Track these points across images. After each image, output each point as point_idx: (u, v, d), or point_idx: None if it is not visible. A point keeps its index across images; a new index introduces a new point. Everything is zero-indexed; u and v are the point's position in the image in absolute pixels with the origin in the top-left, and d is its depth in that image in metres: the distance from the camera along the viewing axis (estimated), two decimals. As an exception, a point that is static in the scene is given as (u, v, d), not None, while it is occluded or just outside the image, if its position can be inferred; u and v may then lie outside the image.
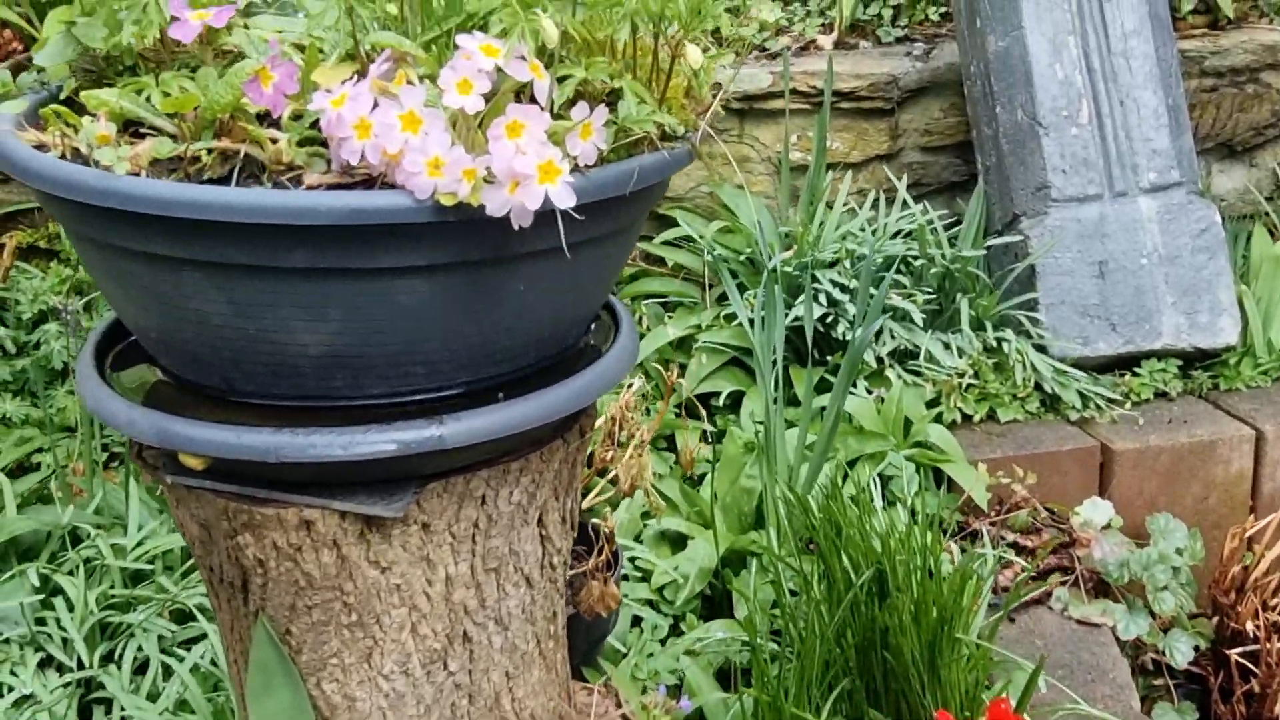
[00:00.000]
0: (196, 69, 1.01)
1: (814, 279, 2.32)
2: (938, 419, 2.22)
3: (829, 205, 2.64)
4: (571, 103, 0.99)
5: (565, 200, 0.92)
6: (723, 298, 2.47)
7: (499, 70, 0.93)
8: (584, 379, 1.08)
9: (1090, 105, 2.41)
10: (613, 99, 1.04)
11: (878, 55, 2.76)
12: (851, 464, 2.11)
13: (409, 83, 0.93)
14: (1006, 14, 2.43)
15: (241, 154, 0.96)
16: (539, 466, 1.12)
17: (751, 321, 2.21)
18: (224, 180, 0.95)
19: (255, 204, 0.90)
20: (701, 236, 2.55)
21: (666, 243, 2.64)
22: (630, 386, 1.83)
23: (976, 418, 2.28)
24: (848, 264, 2.35)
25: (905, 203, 2.54)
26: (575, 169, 0.96)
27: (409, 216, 0.91)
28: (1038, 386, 2.32)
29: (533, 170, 0.91)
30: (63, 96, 1.07)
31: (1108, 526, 2.11)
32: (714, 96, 1.18)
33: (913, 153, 2.71)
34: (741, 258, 2.44)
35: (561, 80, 1.00)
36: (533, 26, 0.96)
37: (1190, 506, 2.25)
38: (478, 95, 0.91)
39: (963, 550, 1.99)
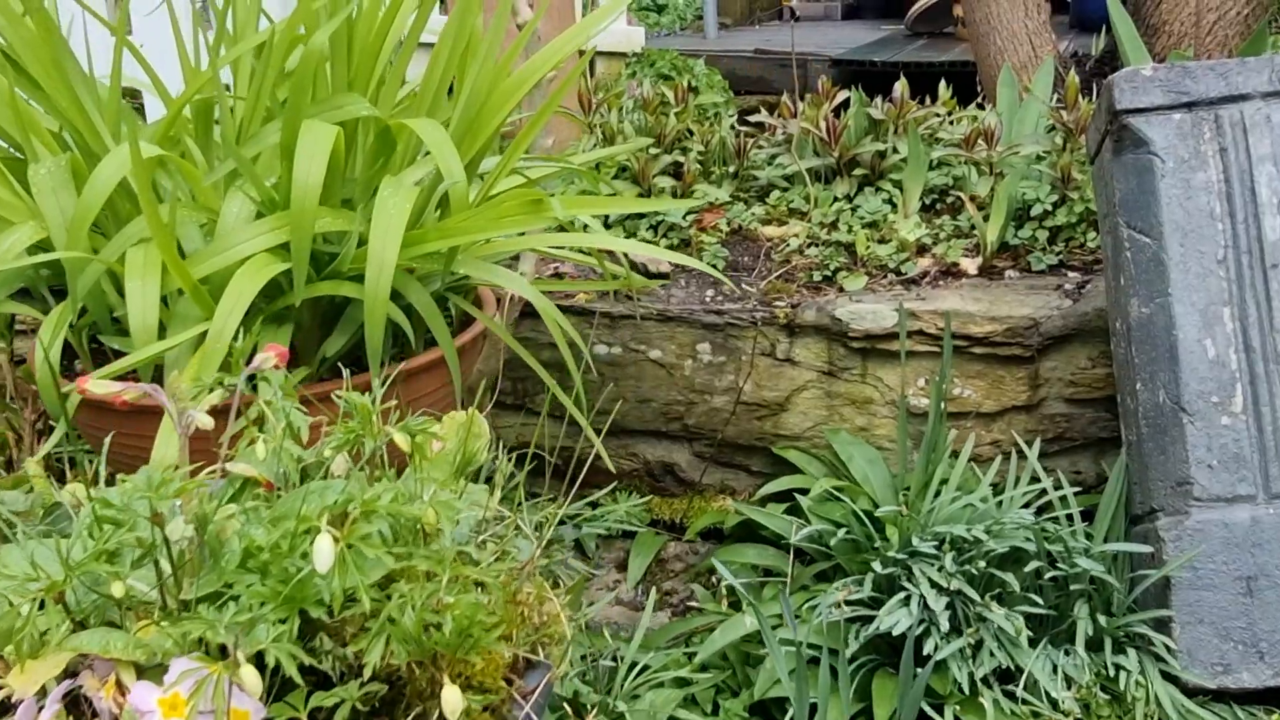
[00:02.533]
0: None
1: (908, 573, 2.10)
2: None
3: (954, 456, 2.40)
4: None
5: None
6: (820, 576, 2.27)
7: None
8: None
9: (1246, 391, 2.09)
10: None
11: (1023, 289, 2.49)
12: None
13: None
14: (1150, 276, 2.15)
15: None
16: None
17: (838, 625, 2.02)
18: None
19: None
20: (804, 494, 2.36)
21: (770, 497, 2.45)
22: None
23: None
24: (951, 559, 2.11)
25: (1036, 470, 2.28)
26: None
27: None
28: None
29: None
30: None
31: None
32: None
33: (1055, 404, 2.44)
34: (844, 535, 2.23)
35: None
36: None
37: None
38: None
39: None
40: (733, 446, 2.61)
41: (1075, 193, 2.66)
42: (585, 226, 1.93)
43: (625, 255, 2.72)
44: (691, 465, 2.65)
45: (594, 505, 2.63)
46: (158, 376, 1.57)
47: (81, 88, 1.58)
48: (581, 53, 1.90)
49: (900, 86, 2.92)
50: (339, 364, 1.74)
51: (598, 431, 2.68)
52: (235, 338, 1.59)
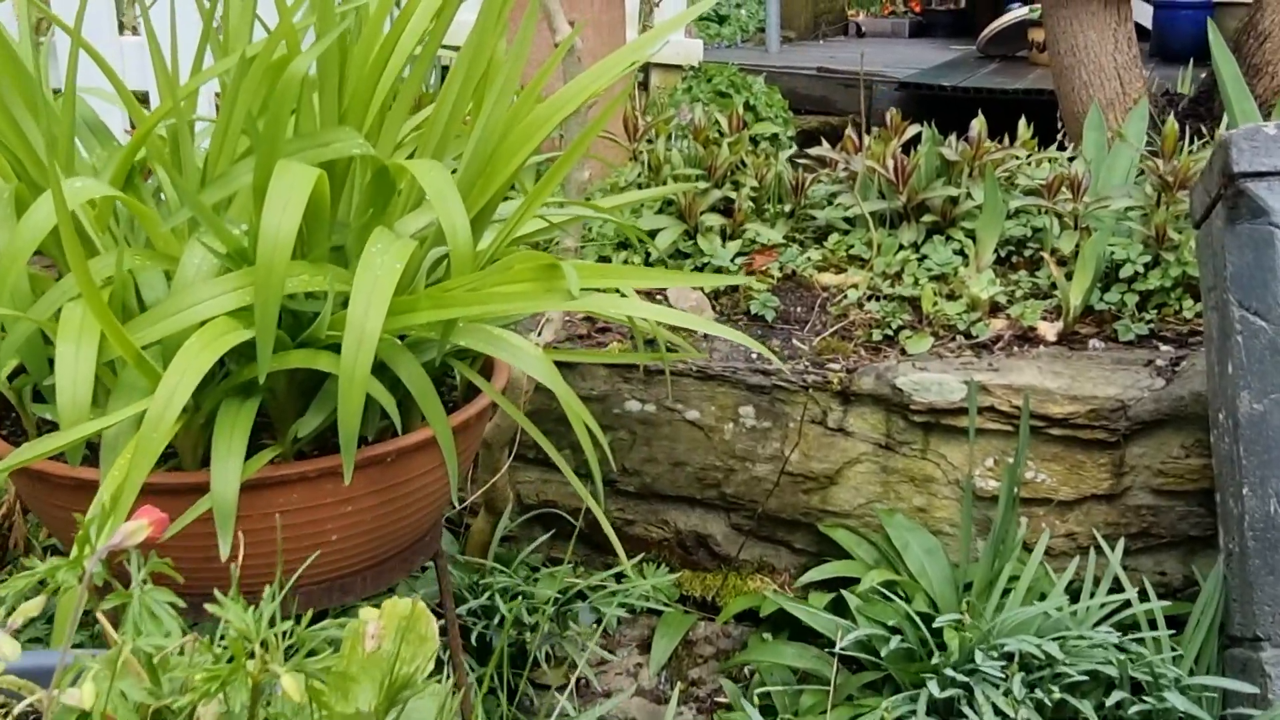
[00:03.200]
0: None
1: (969, 695, 1.83)
2: None
3: (1026, 551, 2.13)
4: None
5: None
6: (869, 686, 2.01)
7: None
8: None
9: (1373, 505, 1.81)
10: None
11: (1109, 363, 2.21)
12: None
13: None
14: (1266, 367, 1.86)
15: None
16: None
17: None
18: None
19: None
20: (852, 582, 2.10)
21: (813, 585, 2.19)
22: None
23: None
24: (1019, 682, 1.84)
25: (1119, 574, 2.00)
26: None
27: None
28: None
29: None
30: None
31: None
32: None
33: (1141, 494, 2.15)
34: (898, 642, 1.96)
35: None
36: None
37: None
38: None
39: None
40: (774, 520, 2.35)
41: (1170, 254, 2.38)
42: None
43: (665, 297, 2.46)
44: (728, 538, 2.39)
45: (619, 578, 2.38)
46: (94, 458, 1.33)
47: (21, 106, 1.34)
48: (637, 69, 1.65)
49: (977, 125, 2.65)
50: (325, 437, 1.50)
51: (626, 494, 2.43)
52: (198, 413, 1.35)
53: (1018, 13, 6.44)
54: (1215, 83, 2.96)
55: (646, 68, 5.55)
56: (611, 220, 1.91)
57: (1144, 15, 7.07)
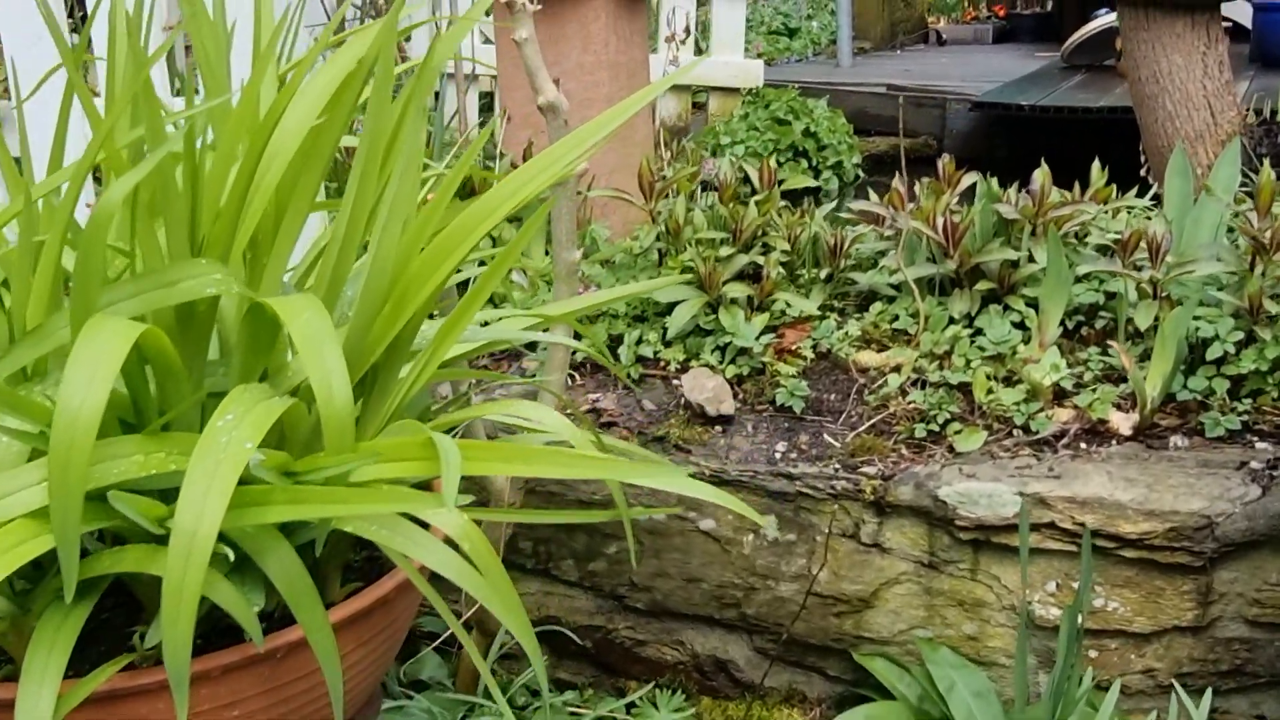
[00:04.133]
0: None
1: None
2: None
3: (1100, 690, 1.81)
4: None
5: None
6: None
7: None
8: None
9: None
10: None
11: (1193, 467, 1.87)
12: None
13: None
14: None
15: None
16: None
17: None
18: None
19: None
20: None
21: (843, 733, 1.88)
22: None
23: None
24: None
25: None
26: None
27: None
28: None
29: None
30: None
31: None
32: None
33: (1233, 625, 1.82)
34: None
35: None
36: None
37: None
38: None
39: None
40: (802, 645, 2.04)
41: (1267, 330, 2.03)
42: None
43: (673, 370, 2.17)
44: (750, 664, 2.09)
45: (630, 708, 2.09)
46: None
47: None
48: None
49: (1040, 177, 2.31)
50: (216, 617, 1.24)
51: (635, 610, 2.14)
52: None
53: (1104, 20, 6.02)
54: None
55: (707, 94, 5.24)
56: (609, 304, 1.62)
57: (1244, 13, 6.60)
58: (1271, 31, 5.96)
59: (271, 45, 1.23)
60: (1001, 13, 9.12)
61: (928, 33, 8.88)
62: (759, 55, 6.96)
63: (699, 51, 5.28)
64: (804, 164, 4.50)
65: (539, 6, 1.84)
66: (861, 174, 4.83)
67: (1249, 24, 6.40)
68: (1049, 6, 9.27)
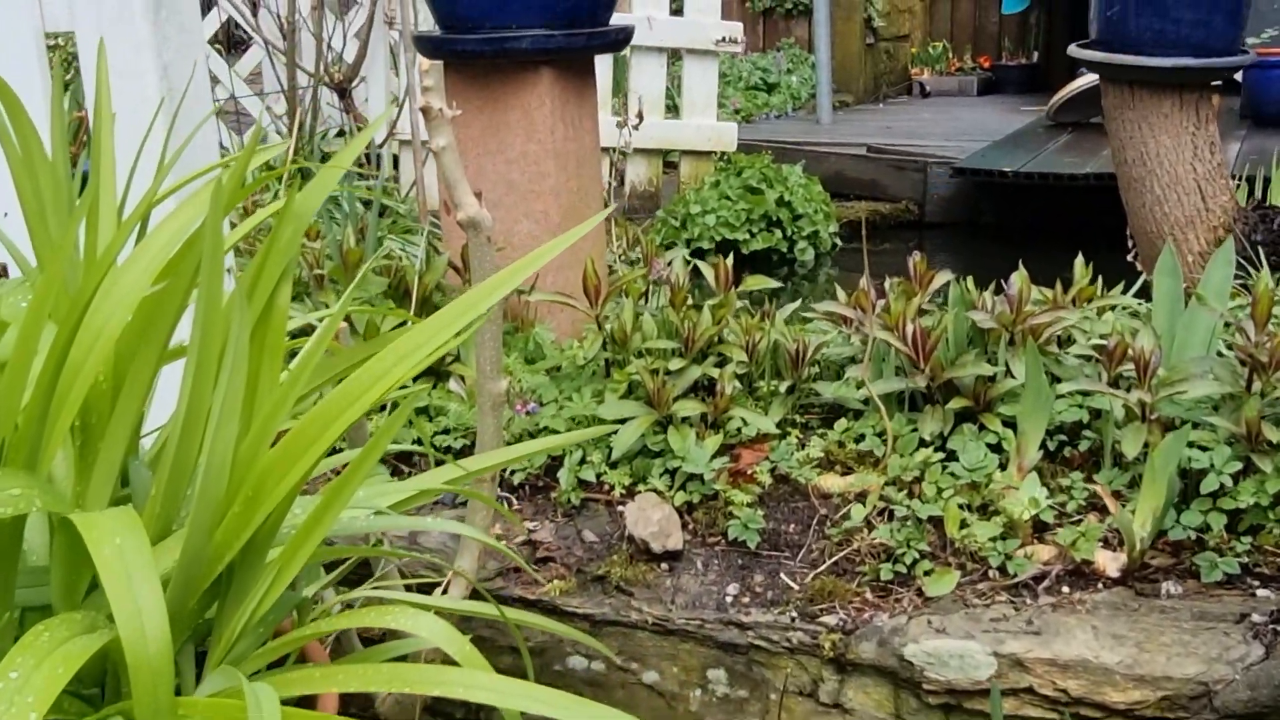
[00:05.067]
0: None
1: None
2: None
3: None
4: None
5: None
6: None
7: None
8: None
9: None
10: None
11: (1187, 620, 1.68)
12: None
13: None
14: None
15: None
16: None
17: None
18: None
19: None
20: None
21: None
22: None
23: None
24: None
25: None
26: None
27: None
28: None
29: None
30: None
31: None
32: None
33: (1236, 805, 1.61)
34: None
35: None
36: None
37: None
38: None
39: None
40: (758, 812, 1.84)
41: (1267, 461, 1.84)
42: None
43: (623, 516, 1.98)
44: (700, 831, 1.88)
45: None
46: None
47: None
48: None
49: (1018, 281, 2.14)
50: None
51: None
52: None
53: (1091, 76, 5.87)
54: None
55: (679, 156, 5.08)
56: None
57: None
58: (1264, 89, 5.82)
59: (98, 206, 1.05)
60: (986, 64, 8.99)
61: (911, 84, 8.75)
62: (736, 111, 6.80)
63: (670, 111, 5.11)
64: (778, 234, 4.33)
65: (459, 112, 1.67)
66: (839, 242, 4.66)
67: (1239, 78, 6.26)
68: (1034, 58, 9.15)
